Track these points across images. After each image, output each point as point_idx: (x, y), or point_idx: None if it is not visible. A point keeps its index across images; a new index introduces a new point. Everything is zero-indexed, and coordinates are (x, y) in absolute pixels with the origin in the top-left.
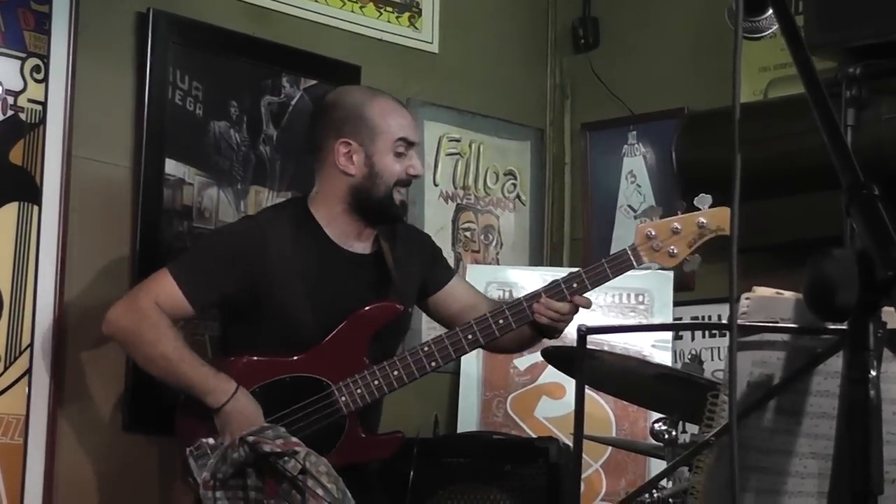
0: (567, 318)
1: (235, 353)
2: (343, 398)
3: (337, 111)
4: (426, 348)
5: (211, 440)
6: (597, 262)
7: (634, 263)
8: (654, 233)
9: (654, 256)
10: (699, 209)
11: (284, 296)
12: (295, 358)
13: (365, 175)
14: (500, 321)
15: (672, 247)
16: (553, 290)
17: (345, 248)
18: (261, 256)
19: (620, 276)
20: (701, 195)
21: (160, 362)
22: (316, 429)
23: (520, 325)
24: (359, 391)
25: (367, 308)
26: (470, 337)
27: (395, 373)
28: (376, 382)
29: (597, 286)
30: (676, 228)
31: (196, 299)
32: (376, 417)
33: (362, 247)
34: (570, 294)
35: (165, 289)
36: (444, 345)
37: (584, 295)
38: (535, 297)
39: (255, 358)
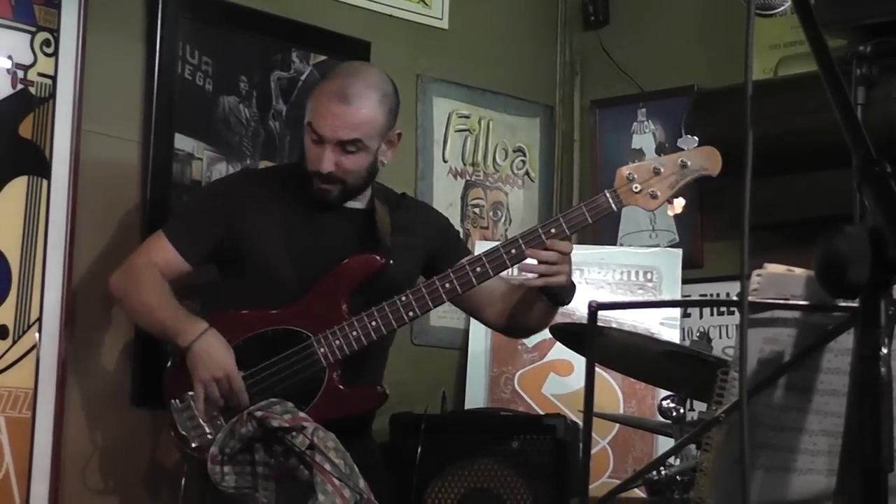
0: (556, 268)
1: (223, 308)
2: (322, 349)
3: (328, 73)
4: (404, 298)
5: (191, 392)
6: (609, 240)
7: (613, 206)
8: (634, 175)
9: (635, 198)
10: (682, 149)
11: (263, 246)
12: (276, 311)
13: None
14: (478, 269)
15: (653, 188)
16: (530, 235)
17: None
18: (239, 207)
19: (629, 253)
20: (686, 136)
21: (142, 310)
22: (295, 380)
23: (497, 272)
24: (337, 342)
25: (347, 260)
26: (447, 286)
27: (373, 323)
28: (354, 333)
29: (575, 231)
30: (658, 169)
31: (187, 254)
32: (373, 373)
33: (357, 203)
34: (548, 239)
35: (159, 247)
36: (422, 294)
37: (564, 241)
38: (512, 243)
39: (238, 312)
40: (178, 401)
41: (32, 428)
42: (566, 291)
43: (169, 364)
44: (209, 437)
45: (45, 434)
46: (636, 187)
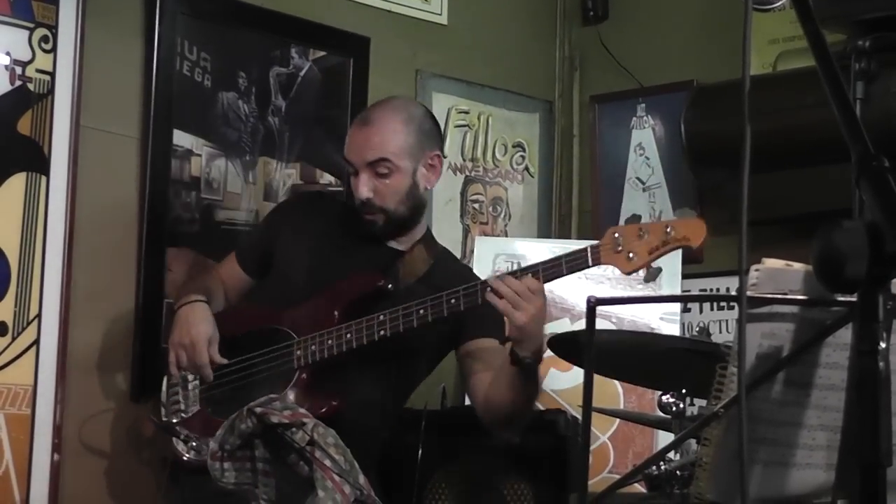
0: (520, 301)
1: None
2: (298, 352)
3: None
4: (381, 317)
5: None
6: (603, 234)
7: (590, 263)
8: (620, 236)
9: (613, 259)
10: (672, 219)
11: (291, 252)
12: (275, 311)
13: None
14: (452, 300)
15: (632, 252)
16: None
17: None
18: (288, 218)
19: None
20: (685, 209)
21: (177, 283)
22: (265, 378)
23: (467, 307)
24: (313, 348)
25: (349, 278)
26: (421, 311)
27: (348, 335)
28: (329, 342)
29: (550, 280)
30: (642, 234)
31: (244, 264)
32: (338, 383)
33: (399, 244)
34: (533, 275)
35: (228, 261)
36: (397, 315)
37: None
38: (486, 283)
39: (243, 307)
40: (167, 378)
41: (32, 424)
42: (526, 343)
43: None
44: (182, 415)
45: (45, 431)
46: (618, 248)
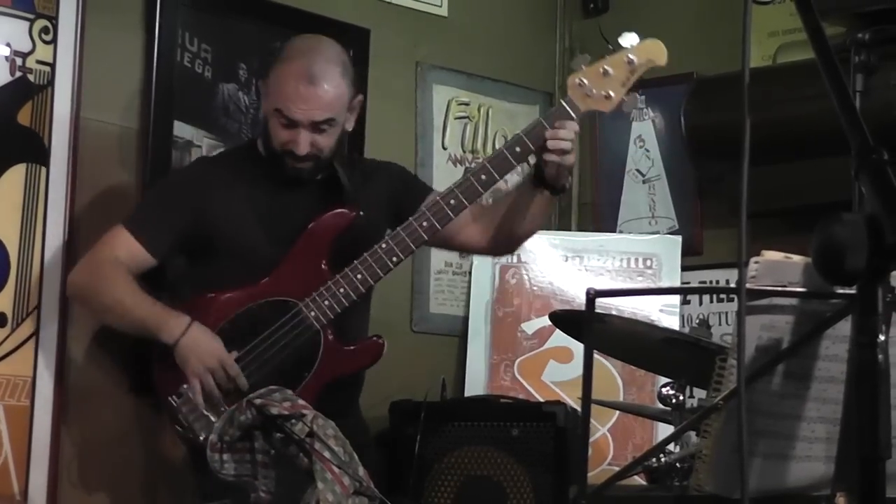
0: (571, 147)
1: (201, 294)
2: (312, 313)
3: (279, 50)
4: (384, 245)
5: (186, 385)
6: (608, 227)
7: (571, 113)
8: (584, 80)
9: (590, 102)
10: (625, 47)
11: (235, 226)
12: (257, 285)
13: (263, 122)
14: (452, 201)
15: (606, 90)
16: (497, 159)
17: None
18: (203, 191)
19: (629, 241)
20: (624, 33)
21: (116, 309)
22: (292, 349)
23: (471, 201)
24: (326, 303)
25: (318, 219)
26: (425, 224)
27: (359, 276)
28: (342, 290)
29: (537, 143)
30: (606, 70)
31: (152, 246)
32: (358, 328)
33: (323, 173)
34: (522, 149)
35: (123, 242)
36: (401, 237)
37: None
38: (481, 170)
39: (219, 293)
40: (175, 397)
41: (31, 416)
42: (567, 176)
43: (155, 361)
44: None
45: (44, 422)
46: (589, 91)
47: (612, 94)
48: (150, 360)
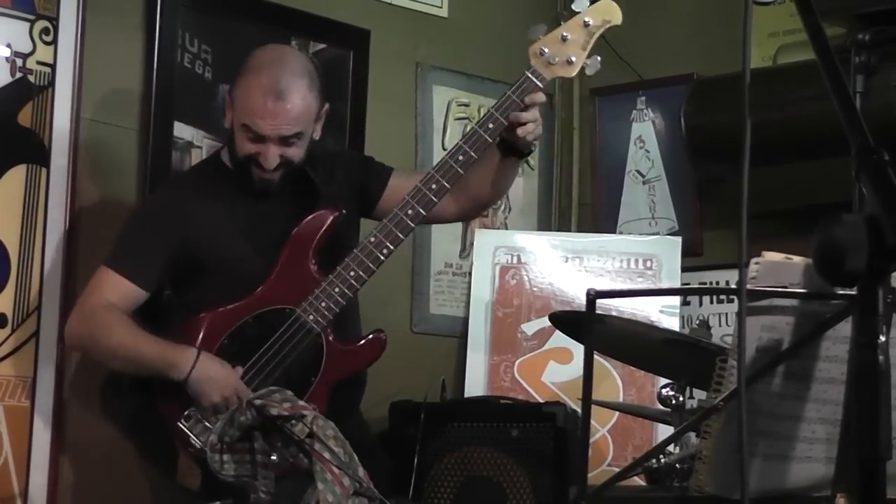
0: (539, 119)
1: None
2: (311, 316)
3: (247, 59)
4: (372, 239)
5: (193, 408)
6: (608, 227)
7: (537, 83)
8: (544, 49)
9: (554, 70)
10: (579, 12)
11: (222, 244)
12: (250, 297)
13: (230, 133)
14: (433, 186)
15: (567, 55)
16: (472, 137)
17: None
18: (183, 215)
19: (629, 241)
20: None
21: (119, 352)
22: (296, 356)
23: (452, 183)
24: (323, 304)
25: (301, 224)
26: (410, 212)
27: (352, 273)
28: (337, 290)
29: (506, 113)
30: (565, 36)
31: (142, 280)
32: (353, 327)
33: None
34: (495, 125)
35: (110, 284)
36: (389, 229)
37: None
38: (457, 150)
39: (211, 311)
40: (183, 420)
41: (31, 416)
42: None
43: (157, 393)
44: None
45: (45, 422)
46: (551, 59)
47: (573, 58)
48: (152, 392)
